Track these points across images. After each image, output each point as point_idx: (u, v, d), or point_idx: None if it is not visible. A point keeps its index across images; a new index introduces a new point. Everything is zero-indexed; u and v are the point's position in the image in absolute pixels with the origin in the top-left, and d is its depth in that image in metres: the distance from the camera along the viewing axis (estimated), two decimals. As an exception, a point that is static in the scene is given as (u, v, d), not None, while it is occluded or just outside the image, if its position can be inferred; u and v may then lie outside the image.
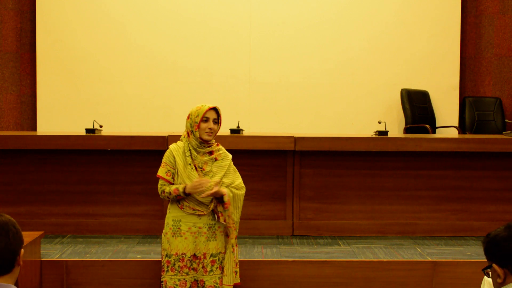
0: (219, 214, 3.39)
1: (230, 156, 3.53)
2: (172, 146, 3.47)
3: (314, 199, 4.80)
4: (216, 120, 3.41)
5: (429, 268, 3.95)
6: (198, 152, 3.42)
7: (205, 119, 3.39)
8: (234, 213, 3.44)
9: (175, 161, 3.41)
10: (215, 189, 3.32)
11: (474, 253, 4.31)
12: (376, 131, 4.91)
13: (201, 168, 3.41)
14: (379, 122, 5.17)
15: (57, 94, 6.84)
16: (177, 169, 3.40)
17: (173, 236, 3.38)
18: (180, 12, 6.86)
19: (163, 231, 3.44)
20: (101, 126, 4.96)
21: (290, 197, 4.78)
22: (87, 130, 4.85)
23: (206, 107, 3.41)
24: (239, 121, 5.08)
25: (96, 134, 4.77)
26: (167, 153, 3.46)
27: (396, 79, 6.92)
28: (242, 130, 4.91)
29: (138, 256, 4.10)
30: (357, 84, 6.93)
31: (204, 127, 3.39)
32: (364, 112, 6.89)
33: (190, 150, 3.43)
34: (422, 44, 6.93)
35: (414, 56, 6.94)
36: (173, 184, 3.41)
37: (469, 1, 7.03)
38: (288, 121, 6.82)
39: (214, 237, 3.40)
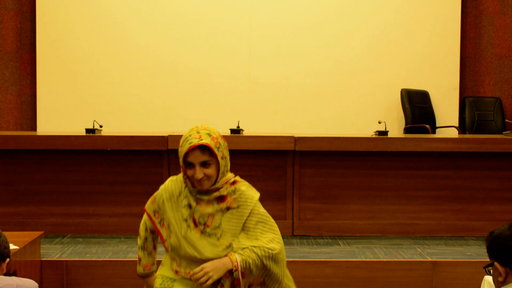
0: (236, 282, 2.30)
1: (256, 198, 2.34)
2: (166, 184, 2.40)
3: (314, 199, 4.80)
4: (209, 161, 2.25)
5: (429, 268, 3.95)
6: (199, 201, 2.30)
7: (188, 164, 2.27)
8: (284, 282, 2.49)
9: (164, 208, 2.36)
10: (213, 279, 2.24)
11: (474, 253, 4.31)
12: (376, 131, 4.91)
13: (205, 223, 2.29)
14: (379, 122, 5.16)
15: (57, 94, 6.83)
16: (167, 219, 2.35)
17: None
18: (180, 12, 6.86)
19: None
20: (101, 126, 4.96)
21: (290, 197, 4.78)
22: (87, 130, 4.85)
23: (185, 148, 2.23)
24: (239, 121, 5.08)
25: (96, 134, 4.77)
26: (159, 191, 2.42)
27: (396, 79, 6.92)
28: (242, 130, 4.91)
29: (138, 256, 4.09)
30: (357, 84, 6.93)
31: (190, 176, 2.27)
32: (364, 112, 6.89)
33: (187, 196, 2.31)
34: (422, 44, 6.93)
35: (414, 56, 6.94)
36: (159, 230, 2.42)
37: (469, 1, 7.03)
38: (288, 121, 6.82)
39: None
